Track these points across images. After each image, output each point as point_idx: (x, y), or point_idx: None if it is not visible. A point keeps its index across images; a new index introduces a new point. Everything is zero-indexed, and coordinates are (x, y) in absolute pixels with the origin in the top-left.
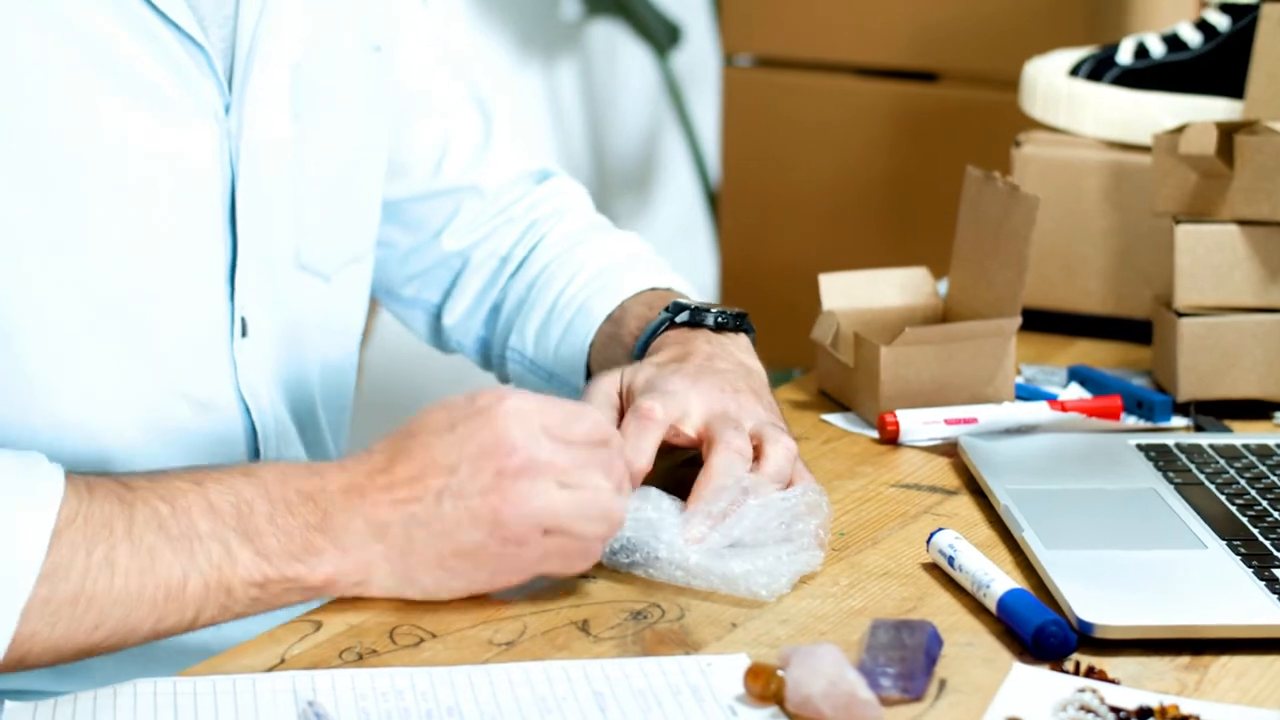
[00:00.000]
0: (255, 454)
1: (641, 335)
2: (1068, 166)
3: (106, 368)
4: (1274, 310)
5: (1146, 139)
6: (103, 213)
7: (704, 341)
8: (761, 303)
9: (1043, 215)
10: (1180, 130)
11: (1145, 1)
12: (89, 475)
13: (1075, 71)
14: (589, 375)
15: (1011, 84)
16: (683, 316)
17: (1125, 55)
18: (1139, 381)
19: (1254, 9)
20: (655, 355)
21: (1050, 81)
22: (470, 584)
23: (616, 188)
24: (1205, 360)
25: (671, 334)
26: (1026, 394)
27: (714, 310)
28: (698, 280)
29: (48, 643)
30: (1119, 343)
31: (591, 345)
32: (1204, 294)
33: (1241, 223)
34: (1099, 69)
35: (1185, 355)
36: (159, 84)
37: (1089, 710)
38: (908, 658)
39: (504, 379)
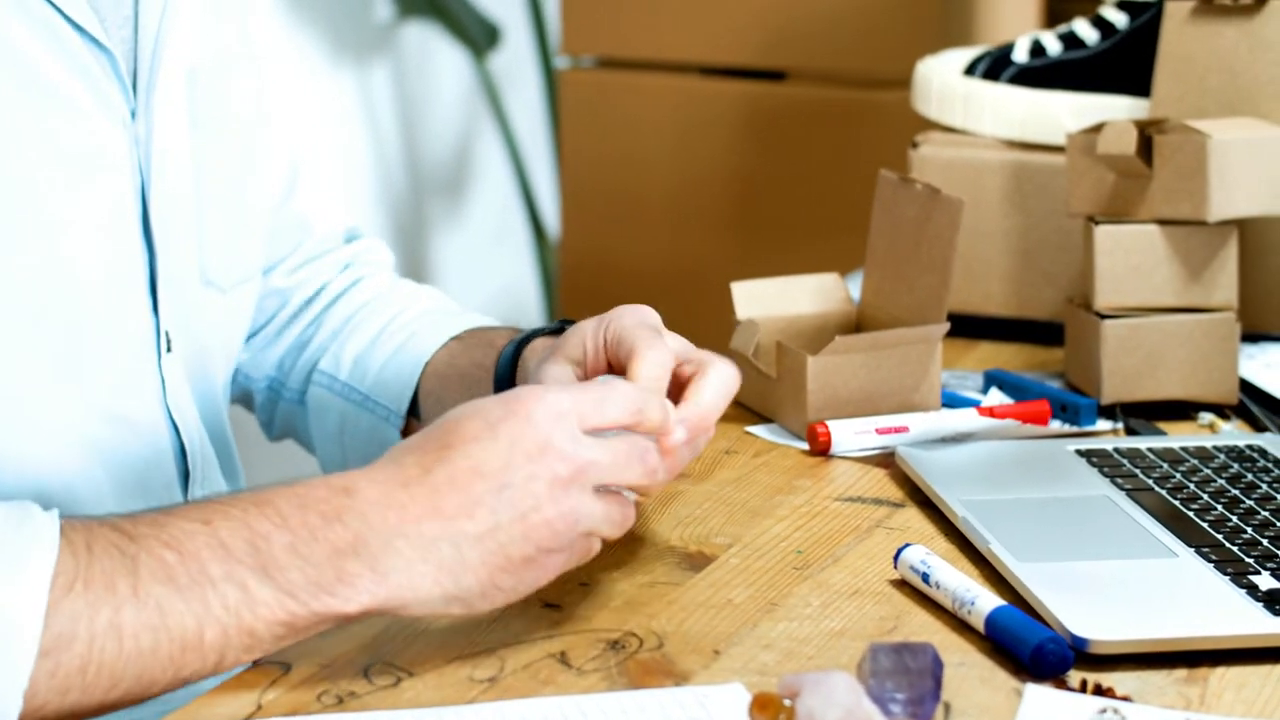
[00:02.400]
0: (185, 477)
1: (518, 336)
2: (967, 167)
3: (37, 391)
4: (1196, 310)
5: (1047, 138)
6: (20, 221)
7: None
8: (607, 308)
9: None
10: (1096, 130)
11: (993, 1)
12: (87, 523)
13: (971, 70)
14: (415, 398)
15: (861, 82)
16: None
17: (1021, 54)
18: (1053, 384)
19: (1152, 7)
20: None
21: (945, 81)
22: (512, 595)
23: (430, 191)
24: (1129, 362)
25: (539, 343)
26: (947, 400)
27: None
28: (515, 282)
29: (61, 709)
30: (1022, 345)
31: (428, 363)
32: (1124, 295)
33: (1162, 222)
34: (995, 68)
35: (1109, 358)
36: (65, 86)
37: None
38: (915, 682)
39: (284, 420)
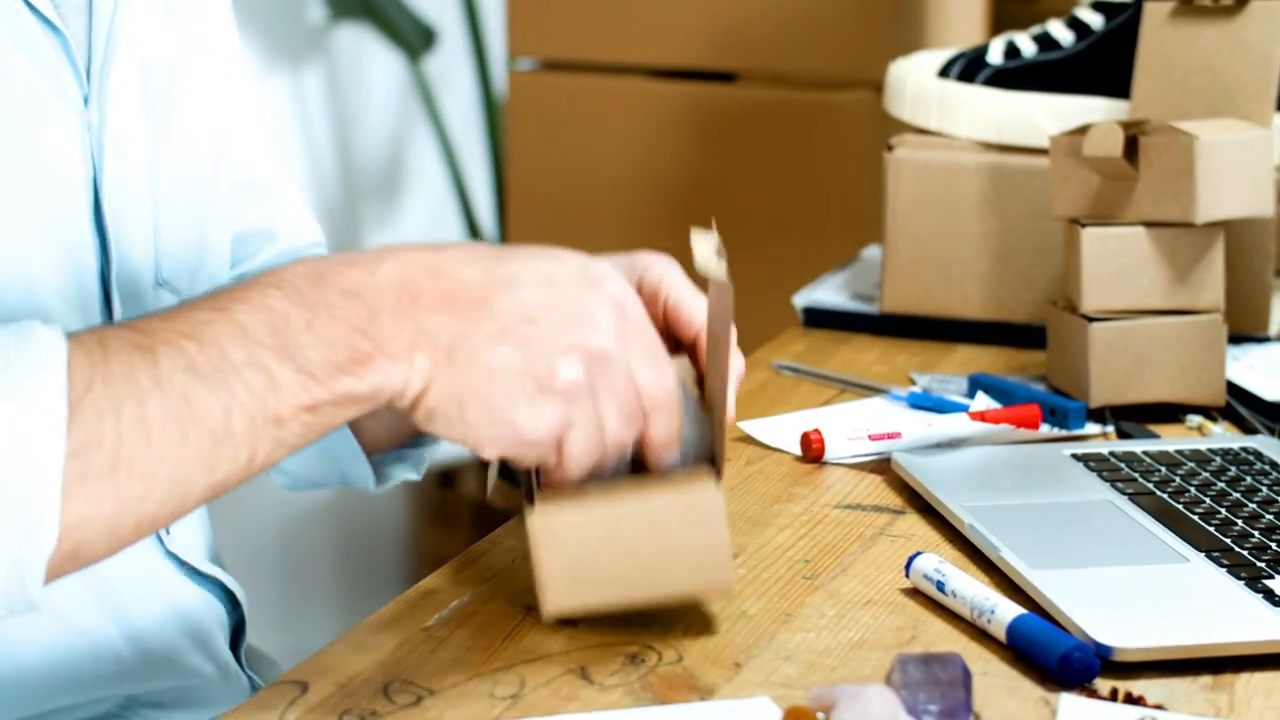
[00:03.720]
0: None
1: None
2: (943, 170)
3: None
4: (1183, 312)
5: (1023, 140)
6: None
7: None
8: None
9: (918, 220)
10: (1080, 132)
11: (943, 2)
12: (97, 328)
13: (945, 72)
14: None
15: (812, 83)
16: None
17: (996, 55)
18: (1036, 387)
19: (1128, 8)
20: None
21: (919, 83)
22: (506, 429)
23: (364, 194)
24: (1117, 365)
25: None
26: (931, 404)
27: None
28: None
29: (98, 524)
30: (999, 348)
31: None
32: (1111, 298)
33: (1148, 224)
34: (970, 70)
35: (1097, 361)
36: (15, 64)
37: None
38: (946, 693)
39: None
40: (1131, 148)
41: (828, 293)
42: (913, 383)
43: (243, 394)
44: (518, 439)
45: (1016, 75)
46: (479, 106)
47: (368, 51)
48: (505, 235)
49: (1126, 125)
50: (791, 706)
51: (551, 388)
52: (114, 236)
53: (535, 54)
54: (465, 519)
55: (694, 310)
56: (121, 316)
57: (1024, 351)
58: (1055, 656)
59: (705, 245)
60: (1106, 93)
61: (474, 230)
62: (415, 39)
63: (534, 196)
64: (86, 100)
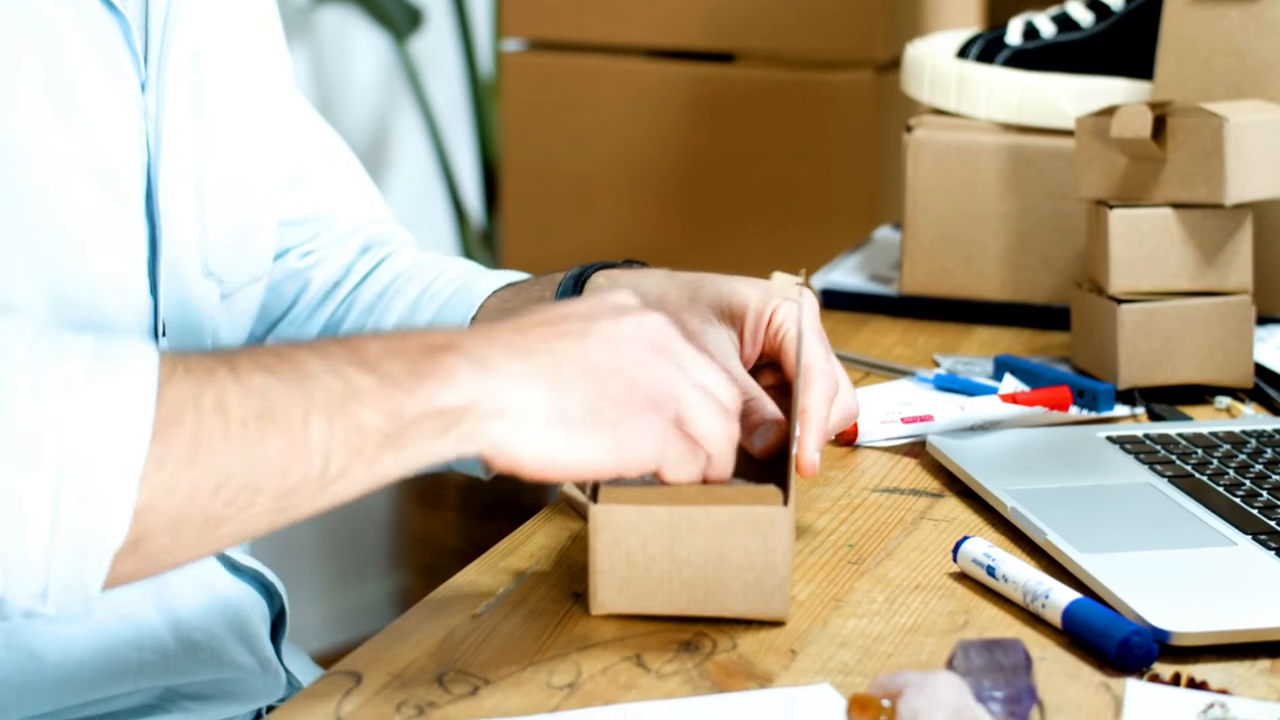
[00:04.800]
0: None
1: (575, 269)
2: (963, 151)
3: None
4: (1210, 294)
5: (1043, 121)
6: (21, 181)
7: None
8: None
9: (937, 201)
10: (1106, 113)
11: None
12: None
13: (964, 53)
14: None
15: (810, 64)
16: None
17: (1014, 36)
18: (1060, 369)
19: None
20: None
21: (938, 64)
22: (613, 447)
23: None
24: (1146, 347)
25: (615, 271)
26: (958, 386)
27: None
28: None
29: (166, 515)
30: (1018, 329)
31: (481, 306)
32: (1139, 279)
33: (1176, 206)
34: (989, 50)
35: (1126, 342)
36: (79, 46)
37: None
38: (1011, 679)
39: None
40: (1159, 129)
41: (845, 274)
42: (936, 364)
43: (320, 395)
44: (622, 459)
45: (1035, 56)
46: (465, 87)
47: (353, 32)
48: (498, 216)
49: (1153, 106)
50: (857, 694)
51: (650, 398)
52: (165, 224)
53: (525, 34)
54: (452, 501)
55: (803, 351)
56: (166, 305)
57: (1044, 333)
58: (1114, 641)
59: (786, 281)
60: (1126, 74)
61: (459, 210)
62: (402, 20)
63: (529, 178)
64: (144, 86)
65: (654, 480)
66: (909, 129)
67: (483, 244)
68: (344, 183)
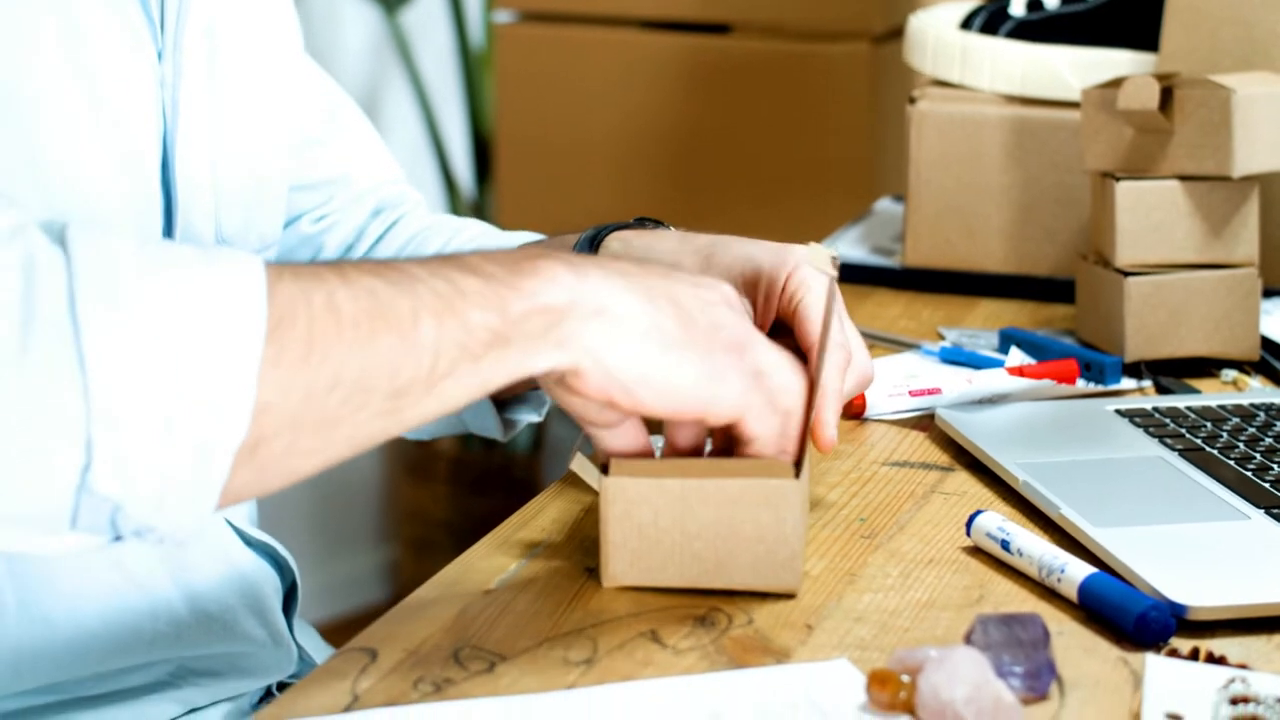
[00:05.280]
0: None
1: (582, 237)
2: (966, 122)
3: None
4: (1217, 266)
5: (1047, 93)
6: (41, 150)
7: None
8: None
9: (941, 173)
10: (1113, 85)
11: None
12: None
13: (968, 24)
14: None
15: (806, 35)
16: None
17: (1018, 7)
18: (1065, 341)
19: None
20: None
21: (941, 35)
22: (698, 378)
23: None
24: (1153, 319)
25: (628, 233)
26: (964, 359)
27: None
28: None
29: (284, 416)
30: (1022, 301)
31: None
32: (1146, 251)
33: (1183, 178)
34: (993, 22)
35: (1133, 315)
36: (95, 14)
37: (1246, 700)
38: (1031, 654)
39: None
40: (1166, 101)
41: (847, 247)
42: (941, 337)
43: (427, 295)
44: (711, 392)
45: (1039, 27)
46: (455, 58)
47: (342, 3)
48: (490, 188)
49: (1160, 78)
50: (876, 670)
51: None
52: (182, 194)
53: (517, 5)
54: (443, 474)
55: (818, 321)
56: None
57: (1047, 305)
58: (1132, 616)
59: (820, 253)
60: (1131, 45)
61: (449, 181)
62: None
63: (523, 150)
64: (160, 55)
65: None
66: (912, 100)
67: (473, 215)
68: (356, 144)
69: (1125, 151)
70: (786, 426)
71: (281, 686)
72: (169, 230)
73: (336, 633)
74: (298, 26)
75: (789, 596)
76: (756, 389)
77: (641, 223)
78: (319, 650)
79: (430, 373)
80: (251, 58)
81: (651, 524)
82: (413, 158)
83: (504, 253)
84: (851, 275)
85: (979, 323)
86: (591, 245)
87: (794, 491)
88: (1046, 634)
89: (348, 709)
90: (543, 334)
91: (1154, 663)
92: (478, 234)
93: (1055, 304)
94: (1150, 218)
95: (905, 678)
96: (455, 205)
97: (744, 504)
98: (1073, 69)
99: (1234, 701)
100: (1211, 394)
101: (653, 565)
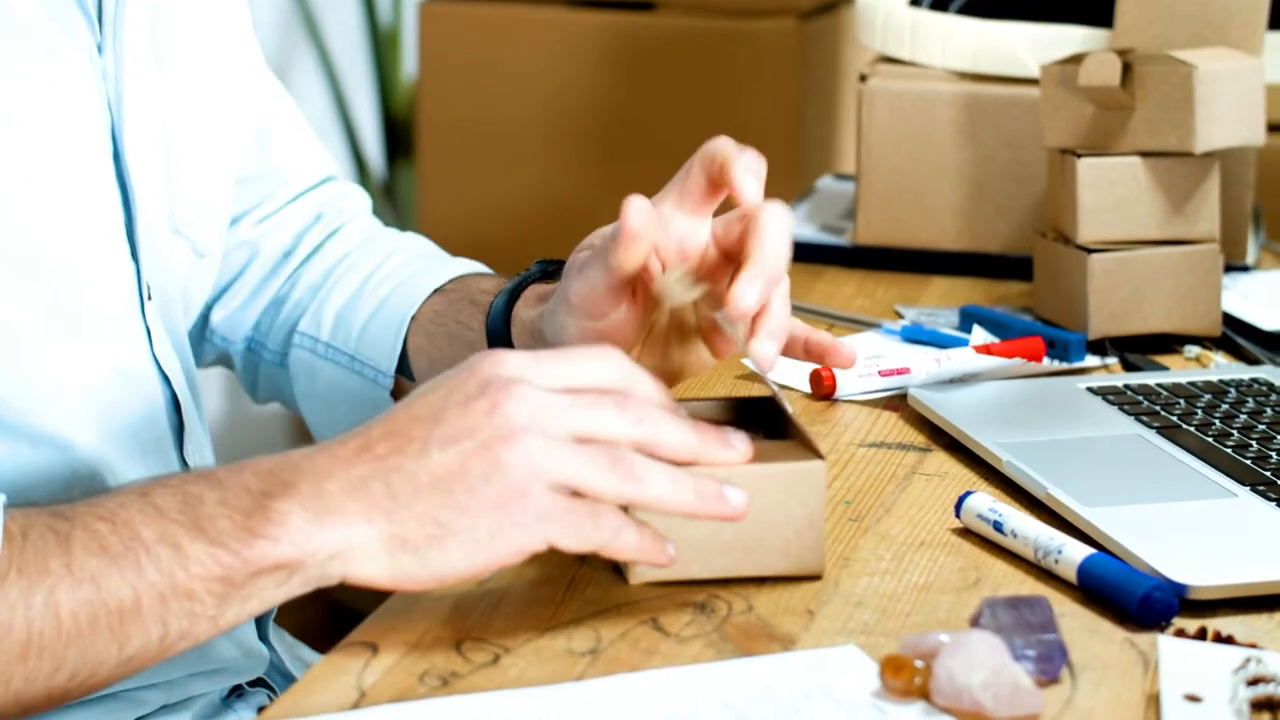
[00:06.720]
0: (178, 431)
1: (506, 286)
2: (918, 100)
3: (33, 342)
4: (1179, 243)
5: (999, 69)
6: None
7: None
8: (471, 247)
9: (892, 151)
10: (1073, 61)
11: None
12: (27, 510)
13: (917, 1)
14: (404, 353)
15: (731, 11)
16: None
17: None
18: (1023, 318)
19: None
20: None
21: (891, 11)
22: (471, 551)
23: None
24: (1116, 296)
25: (540, 288)
26: (925, 337)
27: None
28: None
29: (5, 700)
30: (975, 279)
31: (414, 318)
32: (1108, 228)
33: (1144, 154)
34: None
35: (1096, 292)
36: (25, 13)
37: (1264, 680)
38: (1041, 637)
39: (268, 383)
40: (1126, 77)
41: (794, 225)
42: (899, 316)
43: (151, 572)
44: (485, 559)
45: (991, 3)
46: (364, 37)
47: None
48: (403, 168)
49: (1123, 54)
50: (889, 656)
51: (520, 505)
52: (137, 187)
53: None
54: None
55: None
56: (148, 268)
57: (1001, 282)
58: (1135, 597)
59: (677, 278)
60: (1084, 21)
61: (360, 162)
62: None
63: (445, 131)
64: (100, 48)
65: None
66: (863, 78)
67: (384, 196)
68: (294, 139)
69: (1086, 128)
70: (645, 488)
71: (254, 685)
72: (129, 221)
73: (313, 629)
74: (246, 11)
75: (815, 578)
76: (560, 513)
77: (546, 266)
78: (286, 647)
79: (162, 639)
80: (198, 40)
81: (679, 519)
82: (322, 138)
83: (246, 481)
84: (802, 254)
85: (934, 301)
86: (508, 304)
87: (821, 473)
88: (1054, 616)
89: (355, 705)
90: (282, 583)
91: (1166, 644)
92: (408, 259)
93: (1009, 281)
94: (1112, 194)
95: (919, 663)
96: (366, 186)
97: (772, 489)
98: (1026, 45)
99: (1251, 682)
100: (1180, 370)
101: (680, 560)
